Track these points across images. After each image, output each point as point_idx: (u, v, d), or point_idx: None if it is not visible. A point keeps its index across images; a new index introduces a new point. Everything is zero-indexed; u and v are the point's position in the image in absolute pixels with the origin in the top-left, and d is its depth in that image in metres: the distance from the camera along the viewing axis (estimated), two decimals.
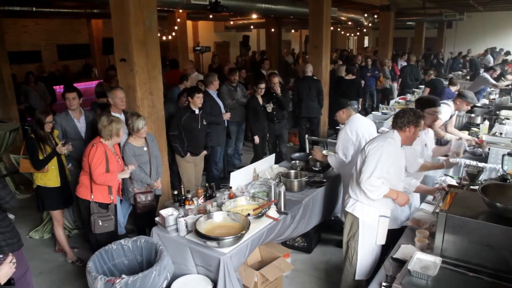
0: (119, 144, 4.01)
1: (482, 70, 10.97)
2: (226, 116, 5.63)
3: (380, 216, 3.15)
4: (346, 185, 3.74)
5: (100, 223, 3.69)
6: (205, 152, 5.10)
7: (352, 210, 3.20)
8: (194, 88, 5.11)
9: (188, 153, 4.87)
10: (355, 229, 3.21)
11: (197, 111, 4.89)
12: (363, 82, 10.44)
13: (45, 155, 3.95)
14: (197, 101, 4.84)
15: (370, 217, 3.14)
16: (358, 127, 3.89)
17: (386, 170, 2.98)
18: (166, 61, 11.98)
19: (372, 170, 2.95)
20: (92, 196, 3.69)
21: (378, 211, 3.14)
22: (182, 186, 3.70)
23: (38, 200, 4.16)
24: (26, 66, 10.85)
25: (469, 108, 5.06)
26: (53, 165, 4.03)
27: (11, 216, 4.81)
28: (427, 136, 3.76)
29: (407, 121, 3.02)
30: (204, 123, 4.95)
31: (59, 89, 9.75)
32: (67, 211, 4.83)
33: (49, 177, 4.05)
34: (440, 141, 4.88)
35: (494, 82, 8.53)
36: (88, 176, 3.69)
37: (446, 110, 4.75)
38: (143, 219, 4.24)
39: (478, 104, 7.85)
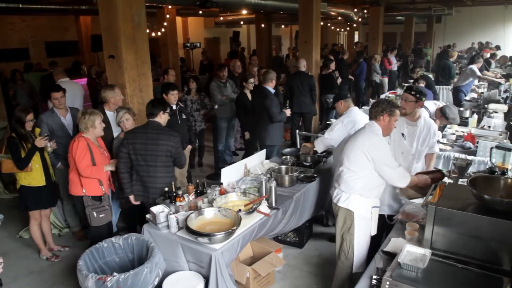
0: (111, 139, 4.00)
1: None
2: (288, 112, 5.43)
3: (373, 207, 3.22)
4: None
5: (95, 215, 3.69)
6: (189, 147, 5.07)
7: (346, 204, 3.21)
8: (169, 84, 5.01)
9: None
10: (349, 223, 3.23)
11: (174, 107, 4.85)
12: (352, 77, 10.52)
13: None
14: (172, 98, 4.75)
15: (364, 209, 3.19)
16: (355, 119, 4.04)
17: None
18: (155, 58, 11.94)
19: (392, 162, 3.09)
20: (84, 190, 3.69)
21: (371, 203, 3.20)
22: (172, 183, 3.68)
23: (22, 200, 4.10)
24: (14, 63, 10.71)
25: (447, 124, 5.02)
26: (36, 163, 3.97)
27: (0, 216, 4.77)
28: (421, 127, 3.74)
29: (381, 109, 3.12)
30: (184, 117, 4.92)
31: None
32: (57, 210, 4.80)
33: (33, 176, 3.99)
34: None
35: (480, 74, 8.67)
36: (76, 172, 3.68)
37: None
38: (131, 215, 4.22)
39: (467, 98, 7.93)
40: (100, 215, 3.72)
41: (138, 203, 3.83)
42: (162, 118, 3.70)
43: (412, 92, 3.65)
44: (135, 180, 3.75)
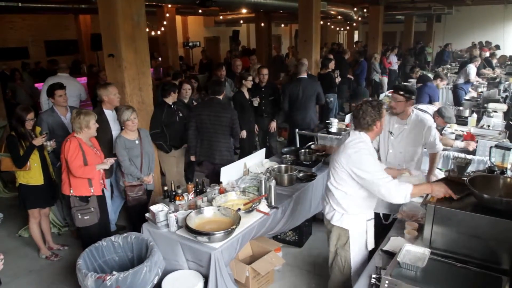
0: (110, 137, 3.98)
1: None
2: None
3: (368, 220, 3.06)
4: None
5: (80, 217, 3.66)
6: (185, 145, 5.11)
7: (340, 223, 3.02)
8: (169, 84, 5.13)
9: (172, 148, 4.88)
10: (344, 240, 3.06)
11: (172, 105, 4.91)
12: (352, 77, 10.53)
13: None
14: (170, 98, 4.88)
15: (359, 225, 3.03)
16: None
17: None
18: (154, 57, 11.95)
19: (383, 177, 2.71)
20: (72, 191, 3.66)
21: (365, 217, 3.04)
22: (172, 182, 3.68)
23: (20, 198, 4.11)
24: (13, 62, 10.71)
25: (445, 126, 5.06)
26: (35, 162, 3.97)
27: (0, 215, 4.78)
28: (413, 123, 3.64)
29: (372, 119, 2.81)
30: (181, 115, 4.97)
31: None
32: (57, 209, 4.80)
33: (32, 175, 4.00)
34: None
35: (472, 77, 8.64)
36: (67, 172, 3.66)
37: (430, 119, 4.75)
38: (135, 213, 4.23)
39: (466, 97, 7.94)
40: (85, 217, 3.67)
41: (194, 159, 4.95)
42: (222, 96, 4.79)
43: (401, 92, 3.53)
44: (201, 143, 4.80)
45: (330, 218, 3.07)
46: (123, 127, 4.10)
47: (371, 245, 3.11)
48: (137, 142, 4.13)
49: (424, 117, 3.69)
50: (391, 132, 3.60)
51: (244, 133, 5.99)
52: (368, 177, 2.73)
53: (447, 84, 9.92)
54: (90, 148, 3.71)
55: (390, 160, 3.64)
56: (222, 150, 4.75)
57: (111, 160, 3.83)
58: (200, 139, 4.80)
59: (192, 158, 4.96)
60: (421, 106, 5.01)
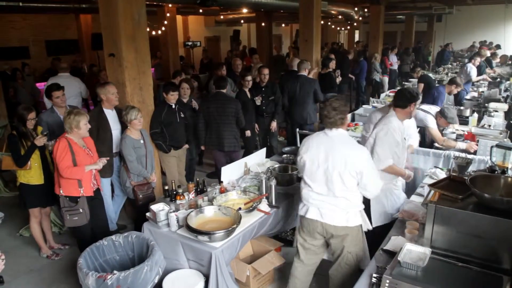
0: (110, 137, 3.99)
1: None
2: None
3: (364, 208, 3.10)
4: None
5: (68, 217, 3.64)
6: (186, 146, 5.12)
7: (358, 221, 3.01)
8: (170, 84, 5.15)
9: (172, 148, 4.88)
10: (356, 236, 3.05)
11: (173, 106, 4.89)
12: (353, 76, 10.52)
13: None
14: (171, 98, 4.83)
15: (363, 216, 3.07)
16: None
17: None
18: (156, 56, 11.92)
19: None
20: (61, 191, 3.62)
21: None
22: (172, 181, 3.68)
23: (21, 197, 4.12)
24: (14, 62, 10.70)
25: (447, 126, 5.05)
26: (36, 162, 3.97)
27: (0, 214, 4.79)
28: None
29: (345, 114, 2.97)
30: (182, 115, 4.97)
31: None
32: (58, 209, 4.79)
33: (32, 174, 4.00)
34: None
35: (473, 76, 8.61)
36: (57, 172, 3.64)
37: (433, 120, 4.76)
38: (145, 211, 4.24)
39: (467, 97, 7.93)
40: (74, 218, 3.64)
41: (203, 148, 5.62)
42: (225, 90, 5.46)
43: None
44: (210, 134, 5.38)
45: (346, 222, 2.97)
46: (128, 126, 4.08)
47: (369, 226, 3.17)
48: (141, 141, 4.15)
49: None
50: (405, 138, 3.62)
51: (248, 133, 6.00)
52: (374, 175, 2.91)
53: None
54: (81, 148, 3.65)
55: (404, 162, 3.61)
56: (230, 138, 5.31)
57: (103, 161, 3.78)
58: (209, 130, 5.34)
59: (202, 148, 5.60)
60: (423, 106, 5.00)
